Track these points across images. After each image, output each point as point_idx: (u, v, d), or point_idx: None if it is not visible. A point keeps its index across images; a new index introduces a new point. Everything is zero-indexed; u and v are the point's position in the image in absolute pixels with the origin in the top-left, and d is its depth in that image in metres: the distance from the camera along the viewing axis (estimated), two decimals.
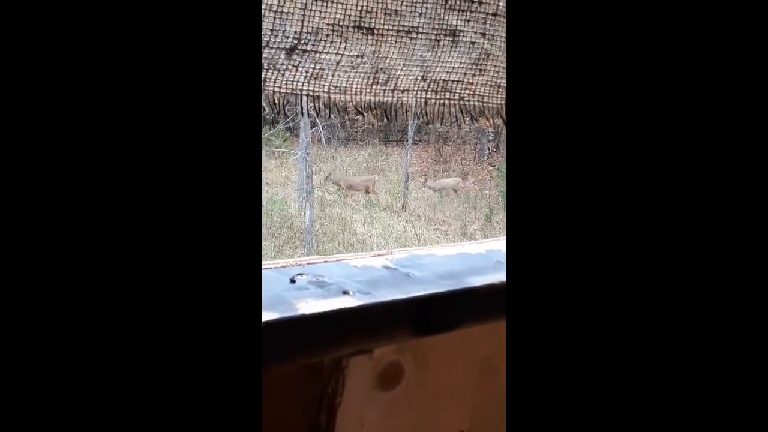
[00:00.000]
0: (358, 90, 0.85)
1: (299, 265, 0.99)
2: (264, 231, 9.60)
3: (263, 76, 0.78)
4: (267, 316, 0.78)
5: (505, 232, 0.55)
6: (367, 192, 10.77)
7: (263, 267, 0.97)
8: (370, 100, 0.86)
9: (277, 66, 0.78)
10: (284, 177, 11.24)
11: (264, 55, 0.76)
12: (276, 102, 0.79)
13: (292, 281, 0.92)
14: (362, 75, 0.84)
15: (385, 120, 0.85)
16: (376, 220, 10.10)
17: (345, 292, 0.89)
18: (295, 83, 0.80)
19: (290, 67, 0.78)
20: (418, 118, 0.89)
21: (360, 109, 0.85)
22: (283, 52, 0.77)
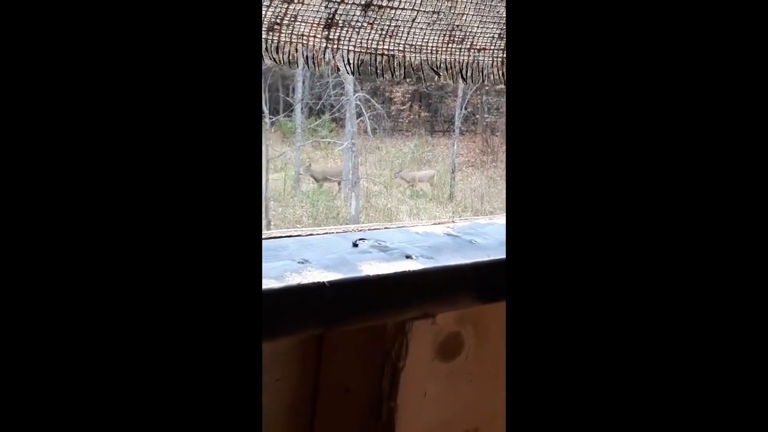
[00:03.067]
0: (434, 49, 0.83)
1: (360, 230, 0.98)
2: (309, 221, 9.69)
3: (338, 34, 0.76)
4: (329, 276, 0.78)
5: None
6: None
7: (325, 232, 0.96)
8: (445, 59, 0.84)
9: (352, 23, 0.76)
10: (330, 167, 11.31)
11: (338, 12, 0.74)
12: (350, 62, 0.78)
13: (355, 245, 0.91)
14: (438, 32, 0.82)
15: (461, 80, 0.83)
16: (422, 211, 10.06)
17: (408, 257, 0.87)
18: (369, 41, 0.78)
19: (365, 24, 0.76)
20: (494, 81, 0.87)
21: (435, 69, 0.83)
22: (359, 8, 0.76)
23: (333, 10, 0.75)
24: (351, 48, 0.78)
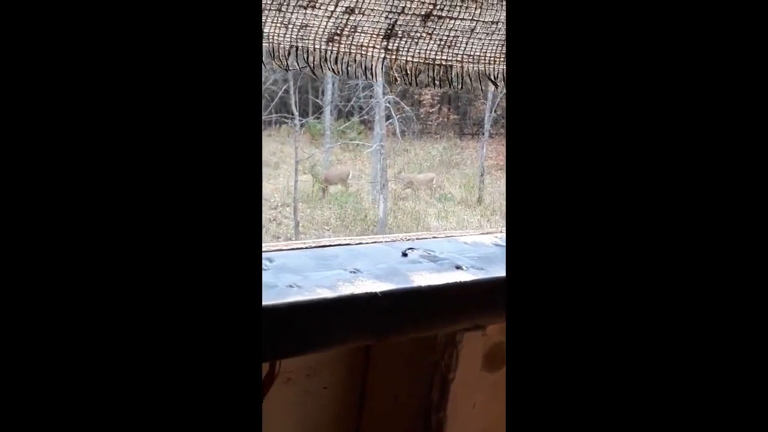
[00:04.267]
0: (492, 59, 0.83)
1: (408, 239, 0.98)
2: (338, 223, 9.71)
3: (396, 44, 0.77)
4: (382, 286, 0.78)
5: None
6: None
7: (373, 241, 0.96)
8: (503, 69, 0.84)
9: (411, 33, 0.77)
10: (358, 169, 11.33)
11: (398, 22, 0.75)
12: (409, 72, 0.78)
13: (404, 255, 0.91)
14: (496, 43, 0.82)
15: None
16: (450, 214, 10.03)
17: (458, 267, 0.87)
18: (428, 52, 0.79)
19: (424, 34, 0.76)
20: None
21: (493, 79, 0.83)
22: (419, 18, 0.76)
23: (393, 20, 0.75)
24: (409, 58, 0.78)
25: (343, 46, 0.76)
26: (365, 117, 11.11)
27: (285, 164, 10.78)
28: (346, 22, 0.74)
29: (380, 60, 0.77)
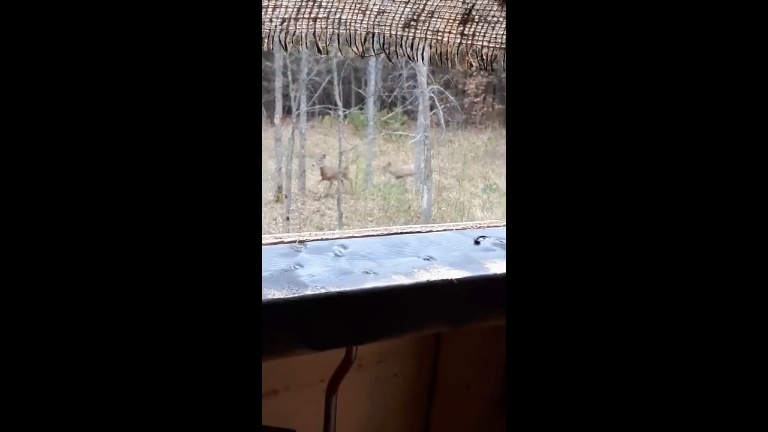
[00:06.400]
0: None
1: (479, 227, 0.98)
2: (381, 214, 9.73)
3: (473, 30, 0.76)
4: (457, 273, 0.78)
5: None
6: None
7: (444, 228, 0.96)
8: None
9: (488, 18, 0.76)
10: (401, 161, 11.31)
11: (476, 6, 0.74)
12: (485, 57, 0.77)
13: (476, 243, 0.90)
14: None
15: None
16: (495, 206, 9.93)
17: None
18: (504, 37, 0.78)
19: (501, 18, 0.75)
20: None
21: None
22: (496, 2, 0.75)
23: (470, 5, 0.75)
24: (485, 43, 0.77)
25: (419, 32, 0.75)
26: (409, 107, 11.07)
27: (328, 155, 10.83)
28: (423, 7, 0.74)
29: (456, 45, 0.76)
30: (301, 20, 0.71)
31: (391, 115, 11.68)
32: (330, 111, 10.56)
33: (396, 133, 11.54)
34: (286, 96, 9.90)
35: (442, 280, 0.76)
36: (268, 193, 10.22)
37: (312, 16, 0.72)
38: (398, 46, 0.75)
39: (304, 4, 0.70)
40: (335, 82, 9.96)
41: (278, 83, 9.83)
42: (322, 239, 0.85)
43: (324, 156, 10.39)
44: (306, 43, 0.72)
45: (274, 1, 0.69)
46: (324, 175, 10.14)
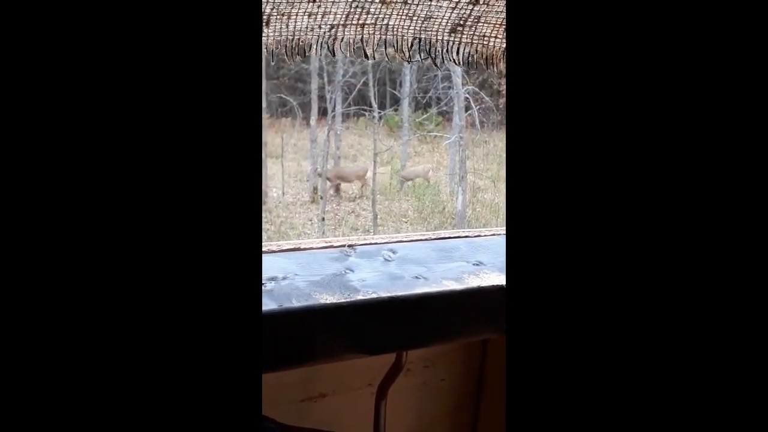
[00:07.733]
0: None
1: None
2: (416, 215, 9.72)
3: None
4: (500, 279, 0.77)
5: None
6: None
7: (492, 233, 0.95)
8: None
9: None
10: (436, 161, 11.28)
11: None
12: None
13: None
14: None
15: None
16: None
17: None
18: None
19: None
20: None
21: None
22: None
23: None
24: None
25: (465, 36, 0.75)
26: (443, 108, 11.03)
27: (363, 156, 10.88)
28: (470, 12, 0.74)
29: (501, 50, 0.76)
30: (349, 26, 0.72)
31: (426, 116, 11.67)
32: (365, 112, 10.59)
33: (431, 134, 11.52)
34: (321, 98, 9.96)
35: (493, 285, 0.76)
36: (303, 194, 10.30)
37: (360, 22, 0.72)
38: (444, 51, 0.75)
39: (352, 10, 0.71)
40: (370, 84, 9.99)
41: (314, 85, 9.91)
42: (370, 243, 0.85)
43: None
44: (352, 49, 0.73)
45: (323, 8, 0.70)
46: (341, 178, 10.20)
